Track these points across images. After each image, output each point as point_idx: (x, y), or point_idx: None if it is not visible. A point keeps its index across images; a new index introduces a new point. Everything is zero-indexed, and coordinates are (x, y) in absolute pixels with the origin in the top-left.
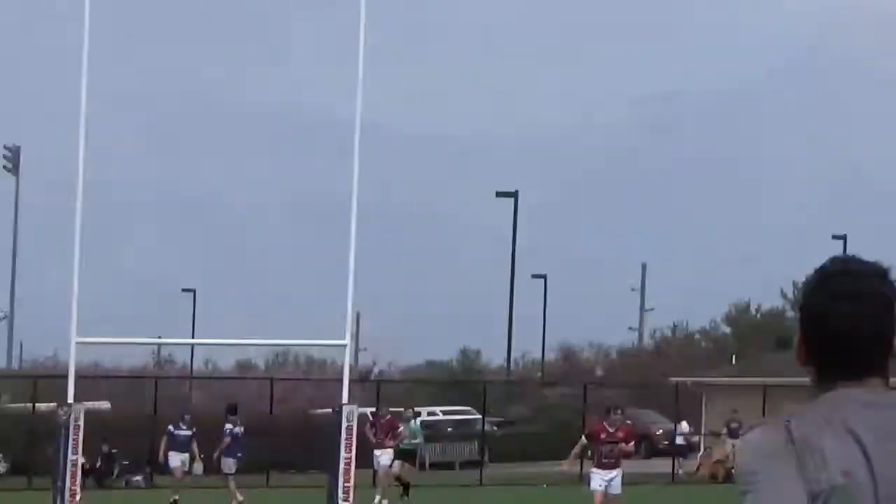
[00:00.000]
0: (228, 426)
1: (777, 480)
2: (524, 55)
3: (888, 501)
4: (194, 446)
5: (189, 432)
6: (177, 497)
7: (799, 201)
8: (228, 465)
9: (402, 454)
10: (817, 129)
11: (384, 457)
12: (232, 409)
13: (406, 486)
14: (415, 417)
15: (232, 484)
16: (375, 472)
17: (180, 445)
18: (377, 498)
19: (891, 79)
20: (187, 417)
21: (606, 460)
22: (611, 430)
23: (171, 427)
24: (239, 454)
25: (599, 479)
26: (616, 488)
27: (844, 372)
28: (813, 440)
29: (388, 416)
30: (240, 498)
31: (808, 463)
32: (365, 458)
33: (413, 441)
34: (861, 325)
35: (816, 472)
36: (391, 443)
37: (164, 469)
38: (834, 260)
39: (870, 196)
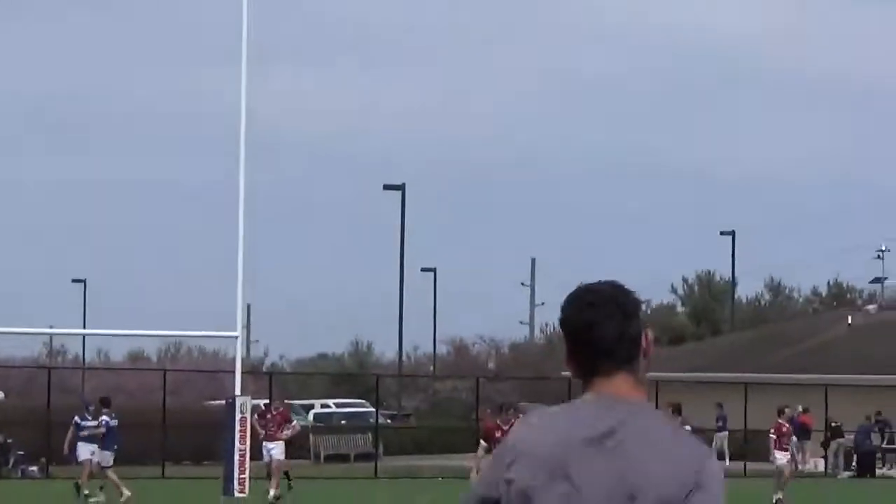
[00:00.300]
0: (104, 418)
1: (487, 471)
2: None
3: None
4: (101, 436)
5: (96, 422)
6: (87, 492)
7: (686, 198)
8: (106, 458)
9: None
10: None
11: (276, 449)
12: (106, 402)
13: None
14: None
15: (113, 475)
16: (268, 465)
17: (88, 436)
18: (272, 492)
19: None
20: (92, 408)
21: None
22: (505, 428)
23: (76, 418)
24: (115, 446)
25: None
26: None
27: (596, 371)
28: (532, 429)
29: (281, 408)
30: (126, 492)
31: (507, 459)
32: (257, 450)
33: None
34: (598, 328)
35: (518, 452)
36: (284, 434)
37: (71, 460)
38: (581, 285)
39: (759, 193)
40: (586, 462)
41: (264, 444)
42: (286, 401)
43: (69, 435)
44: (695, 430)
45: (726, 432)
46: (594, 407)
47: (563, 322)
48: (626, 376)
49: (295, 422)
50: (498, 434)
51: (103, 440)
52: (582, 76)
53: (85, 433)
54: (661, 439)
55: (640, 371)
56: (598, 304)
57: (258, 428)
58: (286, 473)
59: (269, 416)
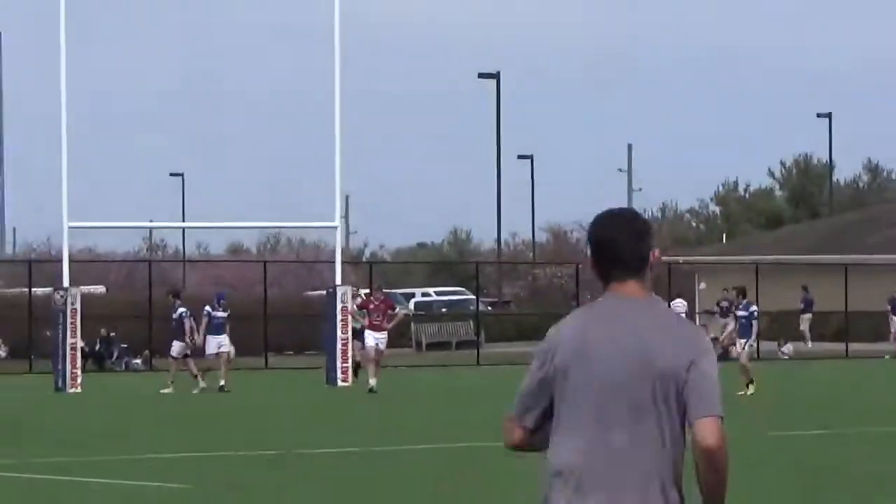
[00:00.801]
0: (182, 310)
1: (534, 362)
2: None
3: (603, 375)
4: (228, 327)
5: (225, 314)
6: (223, 382)
7: (784, 82)
8: (181, 348)
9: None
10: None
11: (382, 339)
12: (177, 294)
13: (357, 367)
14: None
15: (191, 365)
16: (372, 354)
17: (217, 328)
18: (372, 381)
19: None
20: (223, 300)
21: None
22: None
23: (207, 308)
24: (189, 338)
25: None
26: None
27: (613, 277)
28: (566, 322)
29: (383, 297)
30: (203, 384)
31: (551, 349)
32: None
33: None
34: (616, 244)
35: (556, 341)
36: (387, 324)
37: (203, 352)
38: (607, 209)
39: (855, 76)
40: (605, 342)
41: (368, 333)
42: (385, 289)
43: (202, 326)
44: (763, 312)
45: (810, 314)
46: (611, 303)
47: (590, 236)
48: (636, 282)
49: (399, 309)
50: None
51: (179, 332)
52: None
53: (215, 323)
54: (666, 324)
55: (647, 280)
56: (618, 226)
57: (359, 318)
58: (357, 364)
59: (372, 305)
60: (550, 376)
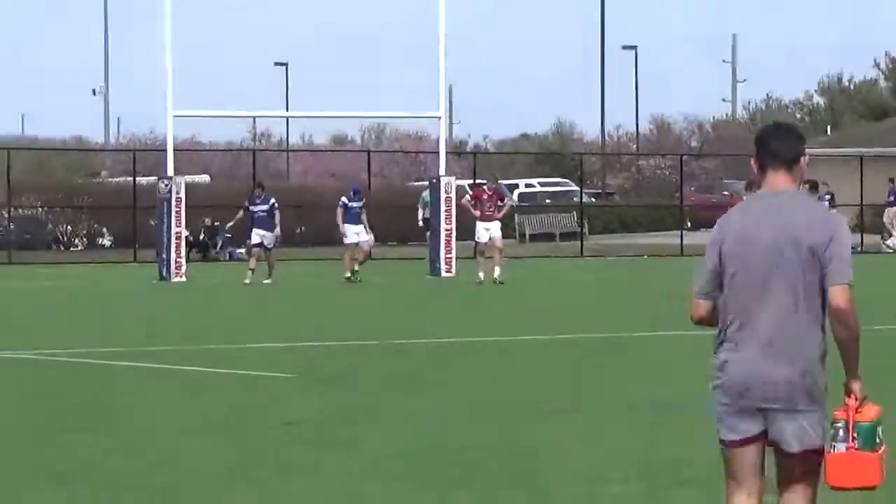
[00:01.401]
0: (274, 200)
1: (707, 249)
2: None
3: (763, 255)
4: (365, 217)
5: (360, 204)
6: (349, 273)
7: None
8: (269, 238)
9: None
10: None
11: (494, 229)
12: (260, 185)
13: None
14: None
15: (261, 256)
16: (486, 245)
17: (354, 217)
18: (497, 271)
19: None
20: (358, 192)
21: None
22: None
23: (344, 199)
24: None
25: None
26: None
27: (768, 167)
28: (731, 214)
29: (495, 187)
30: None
31: (720, 237)
32: (464, 231)
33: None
34: (776, 141)
35: (724, 230)
36: (498, 215)
37: (344, 241)
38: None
39: None
40: (763, 228)
41: (479, 224)
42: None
43: (339, 217)
44: (867, 205)
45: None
46: (766, 196)
47: (757, 138)
48: (787, 175)
49: (508, 200)
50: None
51: (265, 222)
52: None
53: (351, 213)
54: (809, 208)
55: (796, 176)
56: (780, 129)
57: (471, 209)
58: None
59: (484, 196)
60: (721, 260)
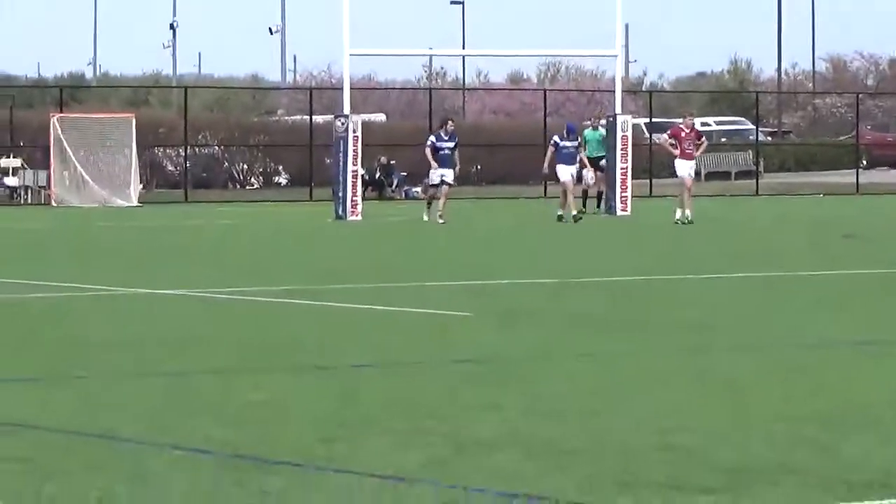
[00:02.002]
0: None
1: None
2: None
3: None
4: (583, 156)
5: (574, 143)
6: (573, 211)
7: None
8: (450, 175)
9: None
10: None
11: (692, 169)
12: (449, 120)
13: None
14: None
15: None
16: (687, 185)
17: (568, 157)
18: (687, 212)
19: None
20: (574, 129)
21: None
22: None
23: (556, 139)
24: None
25: None
26: None
27: None
28: None
29: (693, 126)
30: (440, 220)
31: None
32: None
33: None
34: None
35: None
36: (697, 153)
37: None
38: None
39: None
40: None
41: (681, 161)
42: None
43: (548, 157)
44: None
45: None
46: None
47: None
48: None
49: (703, 138)
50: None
51: (450, 160)
52: None
53: (564, 152)
54: None
55: None
56: None
57: (670, 149)
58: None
59: (683, 134)
60: None
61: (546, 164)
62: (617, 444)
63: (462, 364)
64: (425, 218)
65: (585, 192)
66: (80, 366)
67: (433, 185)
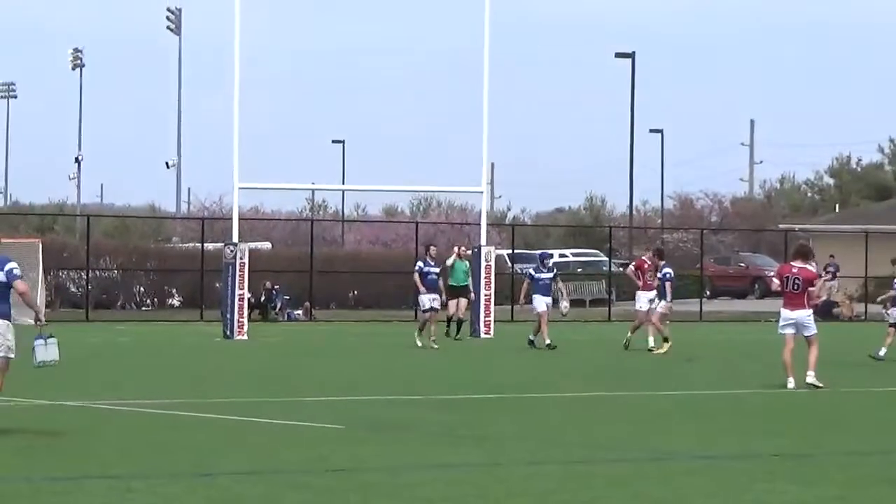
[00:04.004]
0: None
1: None
2: None
3: None
4: (558, 286)
5: (549, 275)
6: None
7: (890, 65)
8: (436, 301)
9: (453, 291)
10: None
11: (652, 297)
12: (432, 245)
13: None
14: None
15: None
16: (637, 314)
17: (543, 289)
18: (652, 339)
19: None
20: (547, 256)
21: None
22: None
23: (531, 271)
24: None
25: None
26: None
27: None
28: None
29: (649, 257)
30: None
31: None
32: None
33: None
34: None
35: None
36: (653, 283)
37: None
38: None
39: None
40: None
41: (641, 294)
42: (526, 250)
43: (525, 288)
44: (872, 278)
45: (835, 282)
46: None
47: None
48: None
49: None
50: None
51: (436, 285)
52: None
53: (540, 283)
54: None
55: None
56: None
57: (635, 279)
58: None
59: (646, 265)
60: None
61: (522, 297)
62: None
63: (337, 473)
64: (419, 343)
65: (449, 318)
66: None
67: (425, 311)
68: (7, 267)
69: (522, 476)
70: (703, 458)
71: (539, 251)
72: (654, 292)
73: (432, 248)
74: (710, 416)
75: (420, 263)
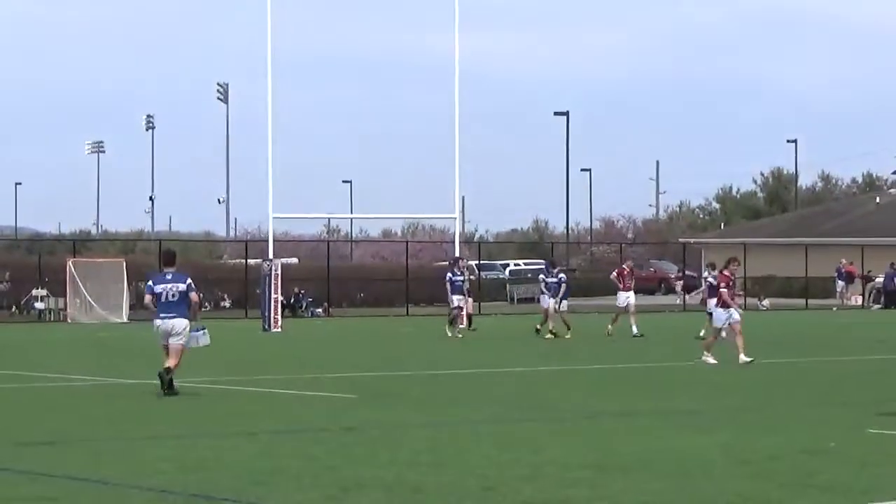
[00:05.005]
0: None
1: None
2: None
3: None
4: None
5: (556, 279)
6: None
7: (761, 113)
8: (462, 300)
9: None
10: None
11: (630, 296)
12: (455, 261)
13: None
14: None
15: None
16: (618, 309)
17: (552, 288)
18: (634, 328)
19: None
20: (554, 268)
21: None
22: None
23: (542, 276)
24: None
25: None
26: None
27: None
28: None
29: (632, 265)
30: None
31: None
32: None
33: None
34: None
35: None
36: (631, 285)
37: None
38: None
39: (815, 106)
40: None
41: (621, 293)
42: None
43: (542, 287)
44: (748, 277)
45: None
46: None
47: None
48: None
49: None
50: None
51: (458, 288)
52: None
53: (549, 284)
54: None
55: None
56: None
57: (616, 283)
58: (470, 318)
59: (625, 272)
60: None
61: (540, 293)
62: (447, 485)
63: (349, 430)
64: (448, 334)
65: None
66: (87, 430)
67: (455, 308)
68: (188, 281)
69: (489, 430)
70: (623, 414)
71: (545, 260)
72: (632, 292)
73: (461, 261)
74: (629, 383)
75: (449, 274)
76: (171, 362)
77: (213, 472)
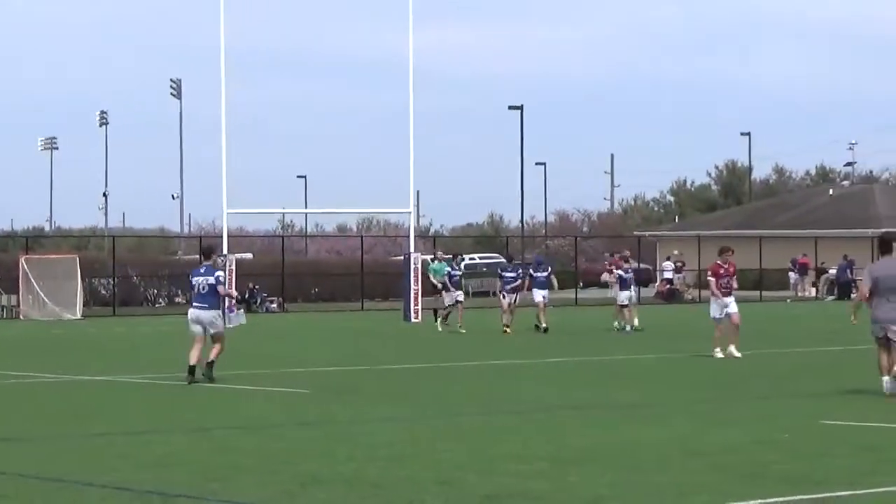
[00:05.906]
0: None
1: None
2: None
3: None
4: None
5: (544, 273)
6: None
7: (714, 108)
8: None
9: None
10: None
11: (731, 305)
12: (454, 256)
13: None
14: (434, 260)
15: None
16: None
17: (539, 283)
18: (618, 322)
19: None
20: (541, 261)
21: (725, 290)
22: (725, 267)
23: (531, 270)
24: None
25: (719, 305)
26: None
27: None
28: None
29: (617, 258)
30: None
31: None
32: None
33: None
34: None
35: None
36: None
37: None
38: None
39: (768, 97)
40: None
41: (715, 301)
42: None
43: (527, 282)
44: (703, 270)
45: (682, 275)
46: (886, 259)
47: (882, 235)
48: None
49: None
50: (721, 271)
51: (456, 284)
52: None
53: (537, 280)
54: None
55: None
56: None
57: (608, 277)
58: (435, 311)
59: (721, 271)
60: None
61: (526, 288)
62: (406, 479)
63: (306, 426)
64: (440, 329)
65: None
66: (39, 429)
67: (448, 305)
68: (216, 274)
69: (445, 424)
70: (579, 407)
71: (535, 256)
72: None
73: (458, 256)
74: (585, 377)
75: (448, 268)
76: (212, 353)
77: (169, 469)
